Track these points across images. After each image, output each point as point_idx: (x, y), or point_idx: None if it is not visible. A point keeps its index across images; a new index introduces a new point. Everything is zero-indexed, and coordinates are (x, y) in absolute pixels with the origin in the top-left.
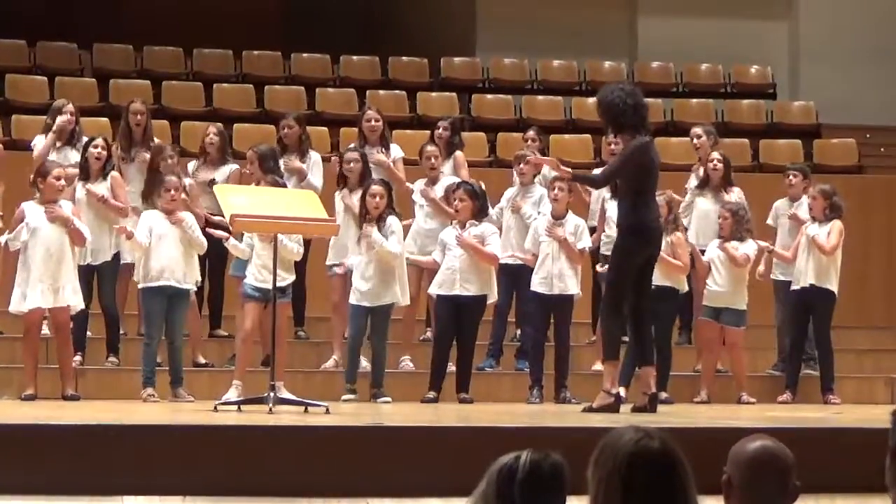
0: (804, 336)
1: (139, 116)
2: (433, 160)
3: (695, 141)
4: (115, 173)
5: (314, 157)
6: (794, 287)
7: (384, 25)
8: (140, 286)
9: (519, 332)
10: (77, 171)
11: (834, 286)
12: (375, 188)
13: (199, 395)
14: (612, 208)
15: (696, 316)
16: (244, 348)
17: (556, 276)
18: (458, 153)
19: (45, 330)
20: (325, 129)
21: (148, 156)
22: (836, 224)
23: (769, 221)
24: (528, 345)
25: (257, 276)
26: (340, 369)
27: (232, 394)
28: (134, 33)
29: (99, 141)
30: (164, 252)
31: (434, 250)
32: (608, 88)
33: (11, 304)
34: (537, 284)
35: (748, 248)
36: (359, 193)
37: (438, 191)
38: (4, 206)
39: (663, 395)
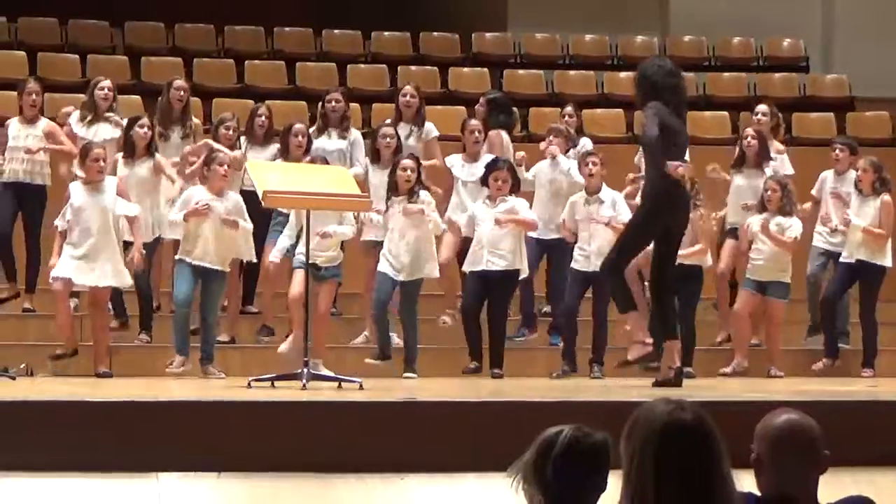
0: (844, 301)
1: (182, 93)
2: (476, 134)
3: (761, 118)
4: (159, 155)
5: (356, 134)
6: (843, 259)
7: (415, 1)
8: (176, 258)
9: (550, 307)
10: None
11: (885, 261)
12: (406, 162)
13: (230, 373)
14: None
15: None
16: (296, 309)
17: (595, 254)
18: (492, 133)
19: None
20: (357, 105)
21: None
22: (886, 201)
23: (814, 192)
24: (560, 319)
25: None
26: (371, 345)
27: (287, 345)
28: (165, 10)
29: (144, 120)
30: (202, 231)
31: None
32: (650, 61)
33: (52, 272)
34: (576, 262)
35: (796, 228)
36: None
37: (479, 168)
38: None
39: (687, 369)
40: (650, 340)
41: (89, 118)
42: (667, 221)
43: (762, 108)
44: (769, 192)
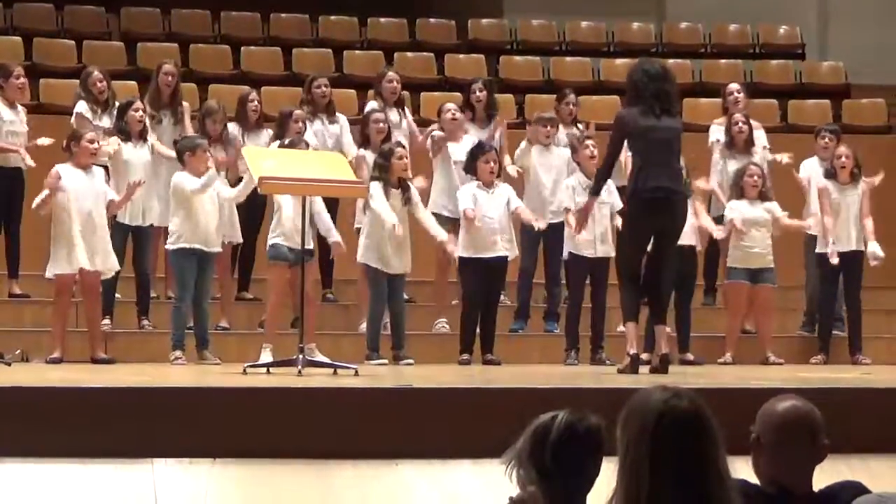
0: (835, 297)
1: (170, 78)
2: (451, 113)
3: (735, 95)
4: (152, 139)
5: (343, 119)
6: (826, 249)
7: None
8: (170, 248)
9: (547, 292)
10: (114, 135)
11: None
12: (401, 150)
13: (226, 359)
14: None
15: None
16: (275, 311)
17: (599, 239)
18: (502, 120)
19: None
20: (353, 91)
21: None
22: (864, 185)
23: (802, 176)
24: (555, 306)
25: (287, 237)
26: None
27: (265, 357)
28: None
29: (138, 104)
30: (195, 215)
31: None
32: (638, 65)
33: (48, 269)
34: (577, 247)
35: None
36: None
37: (464, 147)
38: (39, 170)
39: (690, 356)
40: (633, 352)
41: (99, 111)
42: (653, 224)
43: (735, 86)
44: (753, 178)
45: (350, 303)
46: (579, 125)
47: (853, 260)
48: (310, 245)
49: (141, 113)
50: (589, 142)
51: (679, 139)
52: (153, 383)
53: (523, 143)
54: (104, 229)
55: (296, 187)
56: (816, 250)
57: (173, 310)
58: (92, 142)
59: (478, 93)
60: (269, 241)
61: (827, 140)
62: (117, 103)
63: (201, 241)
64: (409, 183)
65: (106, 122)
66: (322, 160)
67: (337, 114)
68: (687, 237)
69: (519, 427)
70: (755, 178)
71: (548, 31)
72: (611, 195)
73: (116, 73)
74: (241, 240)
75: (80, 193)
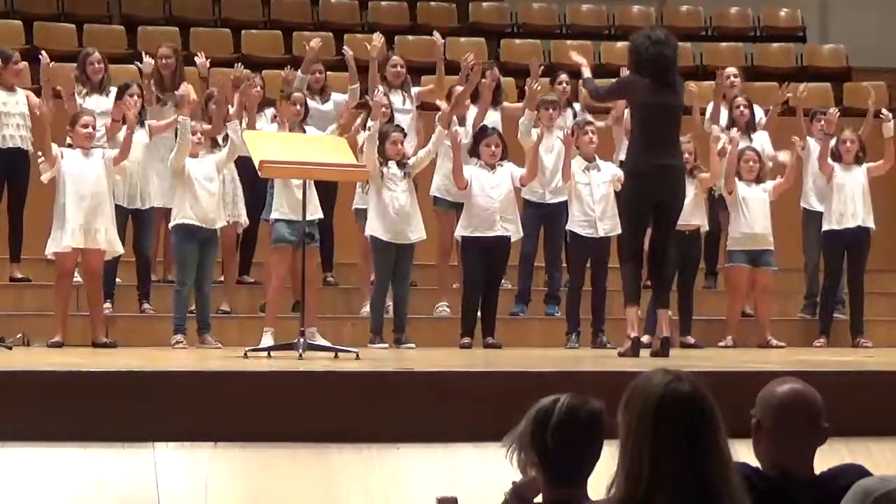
0: (840, 277)
1: (164, 60)
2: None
3: (733, 80)
4: (151, 122)
5: (337, 97)
6: (832, 227)
7: None
8: (171, 225)
9: (546, 276)
10: (109, 117)
11: (870, 223)
12: (396, 135)
13: (227, 342)
14: None
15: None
16: (276, 294)
17: (599, 218)
18: (507, 104)
19: (77, 277)
20: None
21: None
22: (871, 167)
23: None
24: (556, 289)
25: (289, 218)
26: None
27: (266, 341)
28: None
29: (134, 89)
30: (192, 191)
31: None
32: (641, 32)
33: (47, 247)
34: (578, 226)
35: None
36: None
37: (468, 134)
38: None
39: (691, 339)
40: (634, 335)
41: (85, 91)
42: (652, 198)
43: (733, 70)
44: (749, 163)
45: (351, 286)
46: (575, 105)
47: (858, 236)
48: (320, 215)
49: (136, 98)
50: (589, 128)
51: (680, 113)
52: (154, 367)
53: (526, 120)
54: (106, 210)
55: (296, 170)
56: (823, 228)
57: (174, 293)
58: (86, 126)
59: (490, 80)
60: (271, 218)
61: (825, 123)
62: (113, 90)
63: (201, 218)
64: (405, 160)
65: (92, 103)
66: (322, 143)
67: (332, 94)
68: (690, 218)
69: (520, 411)
70: (751, 162)
71: (548, 14)
72: (606, 172)
73: (116, 56)
74: (246, 221)
75: (79, 176)
